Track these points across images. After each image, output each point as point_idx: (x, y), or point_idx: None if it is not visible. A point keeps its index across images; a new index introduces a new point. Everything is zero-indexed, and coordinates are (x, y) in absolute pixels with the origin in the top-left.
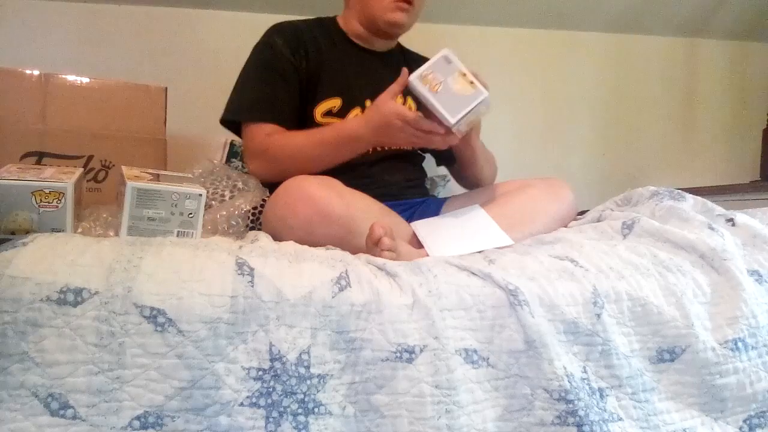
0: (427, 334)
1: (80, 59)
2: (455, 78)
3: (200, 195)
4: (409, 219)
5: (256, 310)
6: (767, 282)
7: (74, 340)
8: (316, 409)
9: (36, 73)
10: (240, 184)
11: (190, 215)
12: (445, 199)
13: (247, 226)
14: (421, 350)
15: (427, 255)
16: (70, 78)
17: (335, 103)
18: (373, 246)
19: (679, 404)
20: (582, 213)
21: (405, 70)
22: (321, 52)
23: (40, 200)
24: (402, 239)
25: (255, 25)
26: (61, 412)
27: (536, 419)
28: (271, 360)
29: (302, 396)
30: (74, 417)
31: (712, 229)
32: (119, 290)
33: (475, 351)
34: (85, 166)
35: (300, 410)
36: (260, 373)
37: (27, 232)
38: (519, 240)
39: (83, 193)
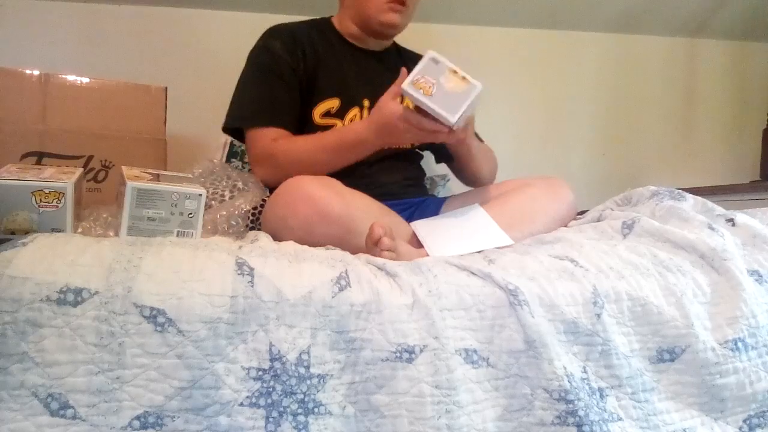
0: (427, 334)
1: (80, 59)
2: (447, 77)
3: (200, 195)
4: (409, 218)
5: (256, 310)
6: (767, 282)
7: (74, 340)
8: (316, 409)
9: (36, 73)
10: (240, 184)
11: (190, 215)
12: (444, 199)
13: (247, 226)
14: (421, 350)
15: (427, 255)
16: (70, 78)
17: (333, 103)
18: (372, 246)
19: (679, 404)
20: (582, 213)
21: (404, 69)
22: (317, 53)
23: (40, 200)
24: (402, 239)
25: (255, 25)
26: (61, 412)
27: (536, 419)
28: (271, 360)
29: (302, 396)
30: (74, 417)
31: (712, 229)
32: (119, 290)
33: (475, 351)
34: (85, 166)
35: (300, 410)
36: (260, 373)
37: (27, 232)
38: (519, 239)
39: (83, 193)
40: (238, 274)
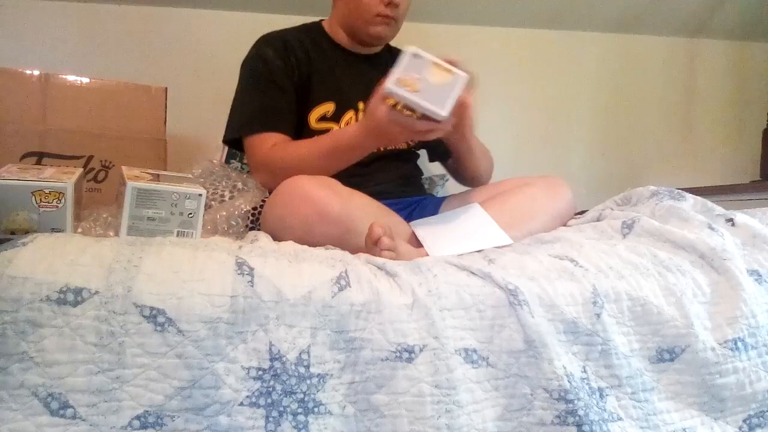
0: (427, 333)
1: (80, 59)
2: (431, 71)
3: (200, 195)
4: (407, 218)
5: (256, 310)
6: (767, 282)
7: (74, 340)
8: (315, 409)
9: (36, 73)
10: (240, 185)
11: (190, 215)
12: (443, 198)
13: (246, 226)
14: (421, 350)
15: (427, 254)
16: (70, 78)
17: (328, 107)
18: (372, 245)
19: (679, 404)
20: (581, 213)
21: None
22: (310, 58)
23: (40, 200)
24: (401, 239)
25: (255, 25)
26: (61, 411)
27: (536, 419)
28: (271, 360)
29: (302, 395)
30: (74, 417)
31: (712, 229)
32: (119, 290)
33: (475, 351)
34: (85, 166)
35: (300, 410)
36: (260, 372)
37: (27, 232)
38: (518, 239)
39: (83, 193)
40: (238, 274)
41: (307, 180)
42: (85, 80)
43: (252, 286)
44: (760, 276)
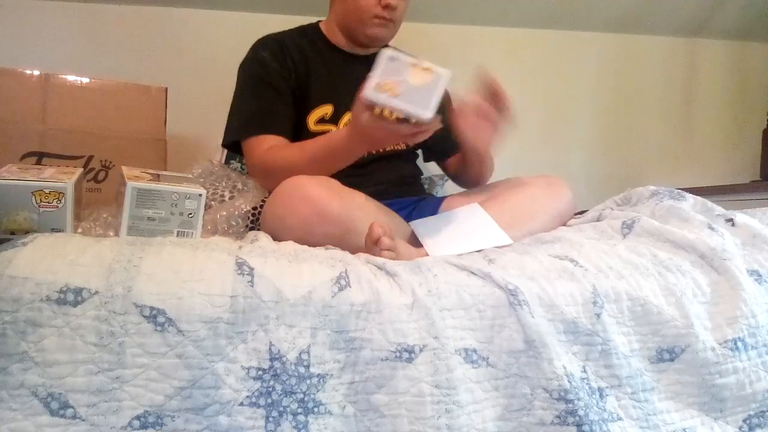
0: (427, 333)
1: (80, 59)
2: (410, 72)
3: (200, 195)
4: (407, 218)
5: (256, 310)
6: (767, 282)
7: (74, 340)
8: (315, 409)
9: (36, 73)
10: (240, 185)
11: (190, 215)
12: (442, 198)
13: (246, 226)
14: (421, 350)
15: (427, 254)
16: (70, 78)
17: (327, 110)
18: (372, 245)
19: (679, 404)
20: (581, 212)
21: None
22: (307, 61)
23: (40, 200)
24: (401, 239)
25: (255, 25)
26: (61, 411)
27: (536, 419)
28: (271, 360)
29: (302, 395)
30: (74, 417)
31: (712, 229)
32: (119, 290)
33: (475, 351)
34: (85, 166)
35: (300, 410)
36: (260, 372)
37: (27, 232)
38: (518, 238)
39: (83, 193)
40: (238, 274)
41: (307, 180)
42: (85, 80)
43: (252, 286)
44: (760, 276)
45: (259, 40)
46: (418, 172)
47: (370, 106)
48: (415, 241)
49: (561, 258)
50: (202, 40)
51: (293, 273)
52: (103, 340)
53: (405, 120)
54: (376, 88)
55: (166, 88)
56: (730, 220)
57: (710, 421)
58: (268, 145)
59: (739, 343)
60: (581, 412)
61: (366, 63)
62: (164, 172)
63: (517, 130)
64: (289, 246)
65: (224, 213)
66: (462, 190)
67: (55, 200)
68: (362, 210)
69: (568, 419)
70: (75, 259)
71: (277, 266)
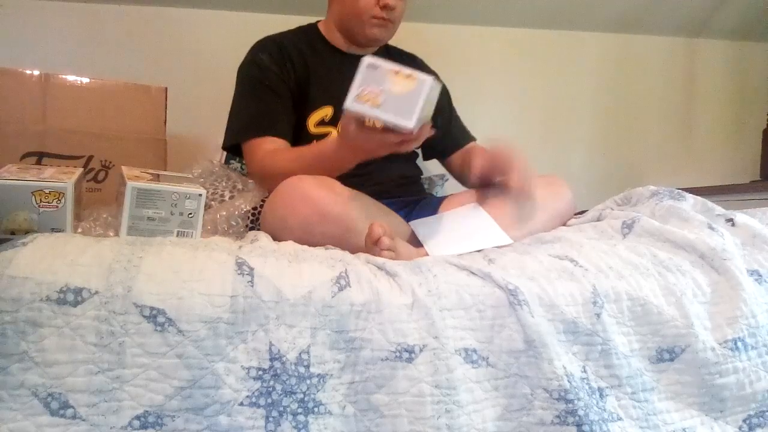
0: (427, 333)
1: (80, 59)
2: (392, 80)
3: (200, 195)
4: (407, 218)
5: (256, 310)
6: (767, 282)
7: (74, 340)
8: (315, 409)
9: (36, 73)
10: (240, 185)
11: (190, 215)
12: (442, 198)
13: (246, 226)
14: (421, 350)
15: (427, 254)
16: (70, 78)
17: (327, 111)
18: (372, 245)
19: (679, 404)
20: (581, 212)
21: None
22: (306, 62)
23: (40, 200)
24: (401, 238)
25: (255, 25)
26: (61, 411)
27: (536, 419)
28: (271, 359)
29: (302, 395)
30: (74, 417)
31: (712, 229)
32: (119, 290)
33: (475, 351)
34: (85, 166)
35: (300, 410)
36: (260, 372)
37: (27, 232)
38: (518, 238)
39: (83, 193)
40: (238, 274)
41: (307, 180)
42: (85, 80)
43: (252, 286)
44: (760, 276)
45: (257, 42)
46: (418, 172)
47: (358, 118)
48: (415, 241)
49: (561, 258)
50: (202, 40)
51: (293, 273)
52: (103, 340)
53: (391, 129)
54: (356, 99)
55: (166, 88)
56: (730, 220)
57: (710, 421)
58: (268, 148)
59: (739, 343)
60: (581, 412)
61: None
62: (164, 172)
63: (517, 130)
64: (289, 246)
65: (224, 213)
66: (462, 189)
67: (55, 200)
68: (362, 210)
69: (568, 419)
70: (75, 259)
71: (277, 266)
